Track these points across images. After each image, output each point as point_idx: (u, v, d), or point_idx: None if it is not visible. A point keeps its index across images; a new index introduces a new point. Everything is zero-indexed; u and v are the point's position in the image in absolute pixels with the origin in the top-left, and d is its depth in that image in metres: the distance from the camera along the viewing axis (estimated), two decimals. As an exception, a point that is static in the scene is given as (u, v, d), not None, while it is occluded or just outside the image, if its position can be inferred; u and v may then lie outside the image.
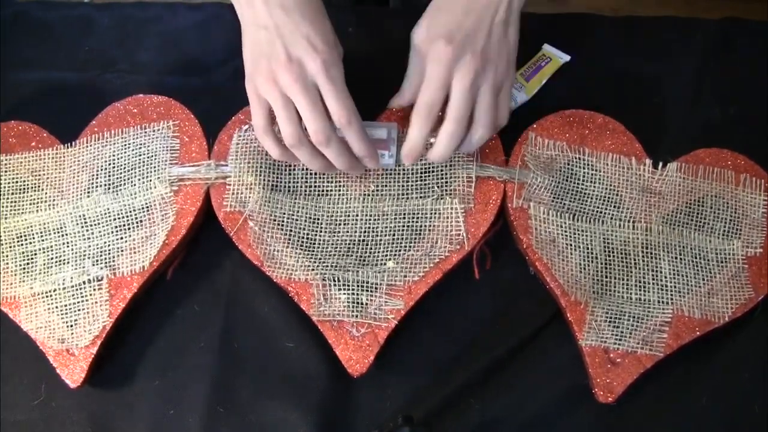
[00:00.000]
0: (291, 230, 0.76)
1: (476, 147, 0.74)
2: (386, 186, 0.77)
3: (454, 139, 0.71)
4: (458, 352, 0.74)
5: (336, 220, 0.76)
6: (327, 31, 0.72)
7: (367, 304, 0.73)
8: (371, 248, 0.75)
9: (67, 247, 0.75)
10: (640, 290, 0.74)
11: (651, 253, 0.75)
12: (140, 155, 0.78)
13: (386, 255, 0.75)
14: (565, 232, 0.75)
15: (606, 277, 0.74)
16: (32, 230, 0.76)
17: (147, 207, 0.76)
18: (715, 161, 0.79)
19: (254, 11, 0.71)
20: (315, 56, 0.69)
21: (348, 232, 0.76)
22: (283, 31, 0.69)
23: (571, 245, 0.75)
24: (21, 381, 0.73)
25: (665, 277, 0.74)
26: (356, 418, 0.72)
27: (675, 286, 0.74)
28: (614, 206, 0.77)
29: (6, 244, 0.76)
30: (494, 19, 0.72)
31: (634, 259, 0.75)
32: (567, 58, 0.87)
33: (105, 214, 0.76)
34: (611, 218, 0.77)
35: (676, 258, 0.75)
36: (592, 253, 0.75)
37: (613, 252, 0.75)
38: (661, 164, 0.79)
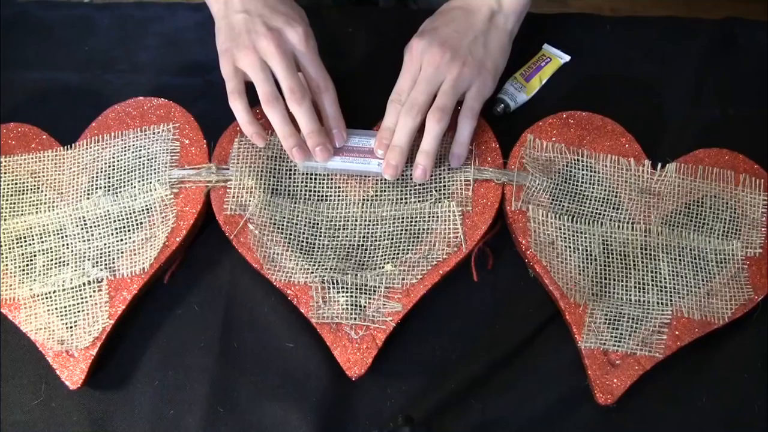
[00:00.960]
0: (291, 234, 0.76)
1: (437, 134, 0.74)
2: (385, 191, 0.77)
3: (406, 127, 0.74)
4: (458, 352, 0.74)
5: (335, 225, 0.77)
6: (303, 13, 0.78)
7: (365, 306, 0.73)
8: (370, 252, 0.75)
9: (67, 248, 0.75)
10: (639, 292, 0.74)
11: (650, 255, 0.75)
12: (140, 157, 0.78)
13: (385, 258, 0.75)
14: (564, 234, 0.75)
15: (605, 278, 0.74)
16: (32, 232, 0.76)
17: (147, 209, 0.76)
18: (714, 161, 0.79)
19: (229, 2, 0.76)
20: (295, 26, 0.74)
21: (347, 236, 0.76)
22: (262, 11, 0.75)
23: (570, 247, 0.75)
24: (21, 381, 0.73)
25: (664, 279, 0.74)
26: (356, 418, 0.72)
27: (674, 288, 0.74)
28: (613, 208, 0.77)
29: (5, 245, 0.76)
30: (471, 26, 0.77)
31: (634, 261, 0.75)
32: (567, 58, 0.87)
33: (105, 216, 0.76)
34: (610, 220, 0.77)
35: (675, 259, 0.75)
36: (591, 255, 0.75)
37: (612, 253, 0.75)
38: (660, 165, 0.79)
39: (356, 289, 0.73)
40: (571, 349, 0.73)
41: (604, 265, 0.75)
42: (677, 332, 0.72)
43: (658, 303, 0.73)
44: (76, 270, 0.74)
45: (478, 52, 0.76)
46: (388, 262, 0.74)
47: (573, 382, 0.72)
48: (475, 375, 0.73)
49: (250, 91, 0.75)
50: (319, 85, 0.76)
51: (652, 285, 0.74)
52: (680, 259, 0.75)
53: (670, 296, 0.73)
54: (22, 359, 0.74)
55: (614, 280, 0.74)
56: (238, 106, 0.75)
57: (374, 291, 0.73)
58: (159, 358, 0.74)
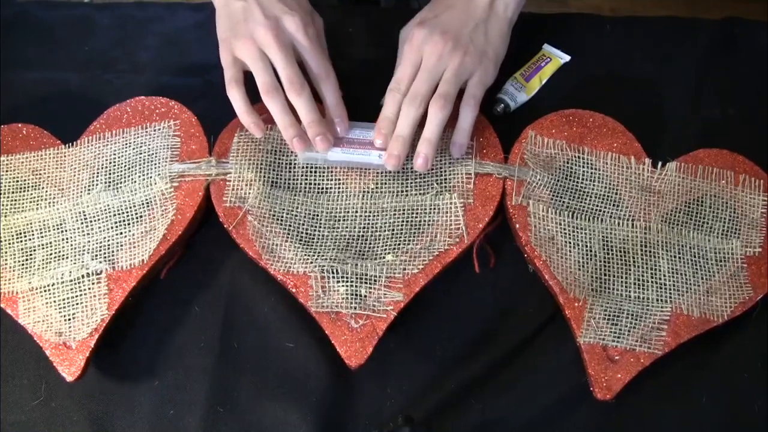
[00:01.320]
0: (290, 225, 0.76)
1: (439, 122, 0.73)
2: (386, 184, 0.77)
3: (410, 117, 0.73)
4: (458, 351, 0.74)
5: (335, 217, 0.76)
6: (303, 1, 0.78)
7: (365, 296, 0.73)
8: (370, 243, 0.75)
9: (66, 242, 0.75)
10: (638, 288, 0.74)
11: (650, 252, 0.75)
12: (141, 153, 0.78)
13: (385, 249, 0.75)
14: (564, 229, 0.75)
15: (605, 274, 0.74)
16: (32, 227, 0.76)
17: (147, 203, 0.76)
18: (714, 161, 0.79)
19: None
20: (293, 15, 0.74)
21: (347, 228, 0.76)
22: (260, 0, 0.74)
23: (569, 243, 0.75)
24: (21, 381, 0.73)
25: (664, 276, 0.74)
26: (356, 418, 0.72)
27: (674, 285, 0.74)
28: (613, 205, 0.77)
29: (5, 241, 0.76)
30: (472, 14, 0.77)
31: (633, 258, 0.75)
32: (567, 58, 0.87)
33: (105, 210, 0.76)
34: (610, 216, 0.77)
35: (675, 257, 0.75)
36: (591, 251, 0.75)
37: (612, 250, 0.75)
38: (660, 164, 0.79)
39: (356, 278, 0.73)
40: (571, 349, 0.73)
41: (604, 262, 0.75)
42: (676, 329, 0.72)
43: (657, 300, 0.73)
44: (75, 263, 0.74)
45: (480, 41, 0.76)
46: (388, 253, 0.74)
47: (573, 382, 0.72)
48: (475, 375, 0.73)
49: (250, 82, 0.75)
50: (319, 73, 0.75)
51: (652, 282, 0.74)
52: (680, 257, 0.75)
53: (670, 293, 0.73)
54: (22, 359, 0.74)
55: (614, 276, 0.74)
56: (235, 95, 0.74)
57: (375, 280, 0.73)
58: (159, 358, 0.74)
